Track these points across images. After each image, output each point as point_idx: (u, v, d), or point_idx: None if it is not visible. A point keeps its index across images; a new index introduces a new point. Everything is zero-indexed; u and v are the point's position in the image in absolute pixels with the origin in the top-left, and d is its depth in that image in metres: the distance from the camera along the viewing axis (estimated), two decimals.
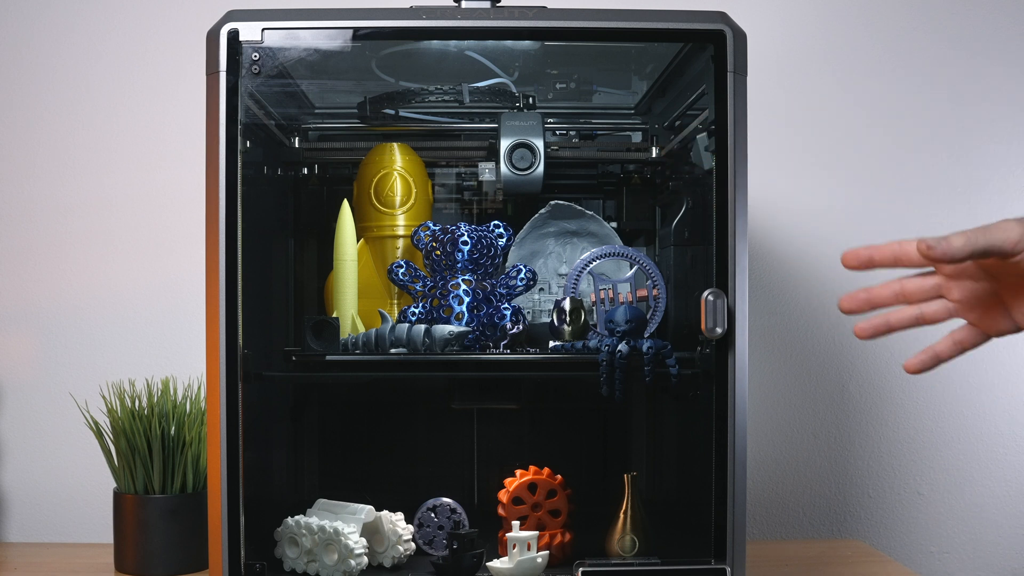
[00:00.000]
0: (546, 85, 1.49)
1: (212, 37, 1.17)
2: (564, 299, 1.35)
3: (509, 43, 1.33)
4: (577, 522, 1.34)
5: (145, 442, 1.42)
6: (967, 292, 0.92)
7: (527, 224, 1.51)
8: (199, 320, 1.17)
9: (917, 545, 1.75)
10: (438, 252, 1.40)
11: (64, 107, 1.70)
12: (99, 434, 1.47)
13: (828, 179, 1.75)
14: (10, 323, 1.69)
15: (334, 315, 1.37)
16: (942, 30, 1.76)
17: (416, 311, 1.37)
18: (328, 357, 1.29)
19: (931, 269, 0.94)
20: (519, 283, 1.40)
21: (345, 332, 1.35)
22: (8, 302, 1.69)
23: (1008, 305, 0.91)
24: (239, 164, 1.16)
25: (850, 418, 1.75)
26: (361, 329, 1.37)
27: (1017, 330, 0.92)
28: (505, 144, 1.42)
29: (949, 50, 1.76)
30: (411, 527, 1.33)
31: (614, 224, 1.55)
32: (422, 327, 1.30)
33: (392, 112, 1.50)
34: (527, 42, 1.31)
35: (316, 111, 1.56)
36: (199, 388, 1.47)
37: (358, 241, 1.41)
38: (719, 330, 1.15)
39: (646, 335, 1.35)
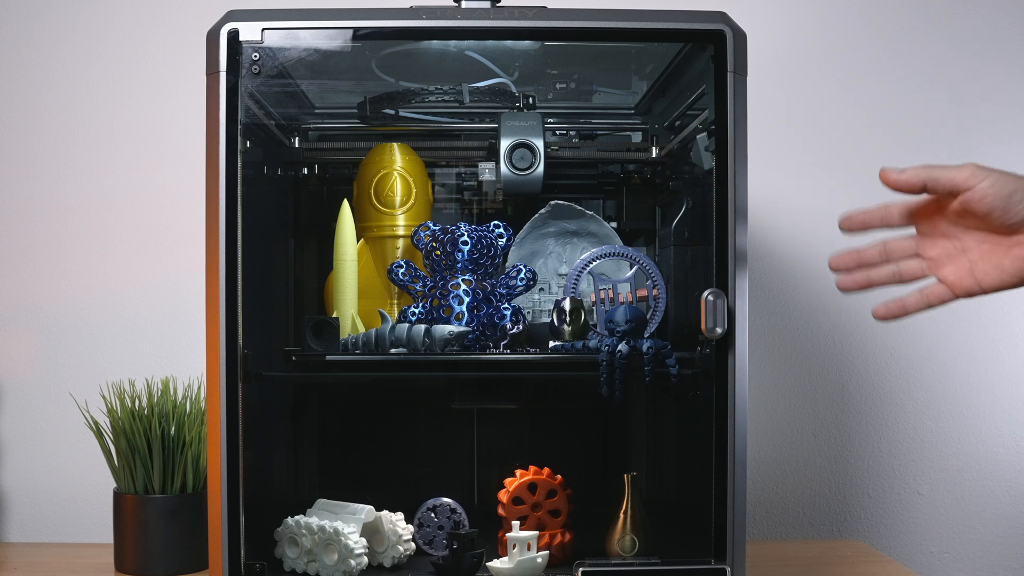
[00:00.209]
0: (546, 85, 1.49)
1: (212, 37, 1.17)
2: (564, 299, 1.35)
3: (509, 43, 1.33)
4: (577, 522, 1.34)
5: (145, 442, 1.42)
6: (940, 250, 1.05)
7: (527, 224, 1.51)
8: (199, 320, 1.17)
9: (917, 545, 1.75)
10: (438, 252, 1.40)
11: (64, 107, 1.70)
12: (99, 434, 1.47)
13: (828, 179, 1.74)
14: (10, 323, 1.69)
15: (334, 315, 1.37)
16: (942, 30, 1.76)
17: (416, 311, 1.37)
18: (328, 357, 1.29)
19: (912, 231, 1.07)
20: (519, 283, 1.40)
21: (345, 332, 1.35)
22: (8, 302, 1.69)
23: (973, 265, 1.03)
24: (239, 164, 1.16)
25: (850, 418, 1.75)
26: (361, 329, 1.37)
27: (981, 291, 1.03)
28: (505, 144, 1.42)
29: (949, 50, 1.76)
30: (411, 527, 1.33)
31: (614, 224, 1.55)
32: (422, 327, 1.30)
33: (392, 112, 1.50)
34: (527, 42, 1.31)
35: (316, 111, 1.56)
36: (199, 388, 1.47)
37: (358, 241, 1.41)
38: (719, 330, 1.15)
39: (646, 335, 1.35)
